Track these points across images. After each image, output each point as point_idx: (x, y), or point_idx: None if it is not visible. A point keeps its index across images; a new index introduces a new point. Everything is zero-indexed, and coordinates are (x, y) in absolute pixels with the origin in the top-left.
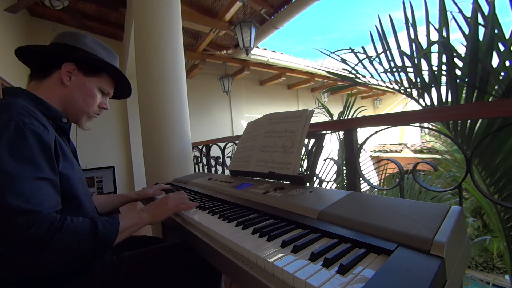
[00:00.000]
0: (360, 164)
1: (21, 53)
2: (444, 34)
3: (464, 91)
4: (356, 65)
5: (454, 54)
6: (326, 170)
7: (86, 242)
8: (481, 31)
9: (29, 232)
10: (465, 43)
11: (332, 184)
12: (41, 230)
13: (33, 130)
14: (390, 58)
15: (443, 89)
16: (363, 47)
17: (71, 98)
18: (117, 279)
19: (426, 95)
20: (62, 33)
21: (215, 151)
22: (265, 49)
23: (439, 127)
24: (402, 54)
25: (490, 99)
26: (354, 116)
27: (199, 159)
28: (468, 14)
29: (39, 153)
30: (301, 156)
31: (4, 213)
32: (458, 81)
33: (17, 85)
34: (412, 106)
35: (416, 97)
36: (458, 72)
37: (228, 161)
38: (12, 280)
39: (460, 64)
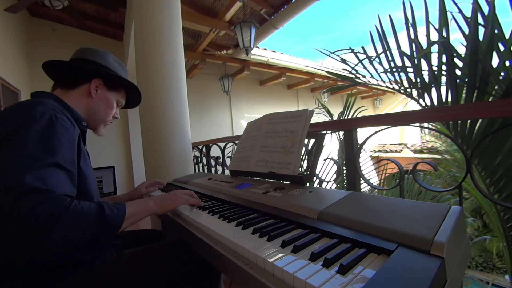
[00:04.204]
0: (360, 164)
1: (51, 65)
2: (444, 34)
3: (464, 91)
4: (356, 65)
5: (454, 54)
6: (326, 170)
7: (92, 224)
8: (481, 31)
9: (38, 209)
10: (465, 43)
11: (332, 184)
12: (50, 209)
13: (63, 125)
14: (390, 58)
15: (443, 89)
16: (363, 47)
17: (95, 108)
18: (117, 277)
19: (426, 95)
20: (85, 49)
21: (215, 151)
22: (265, 49)
23: (439, 127)
24: (402, 54)
25: (490, 99)
26: (354, 116)
27: (199, 159)
28: (468, 14)
29: (66, 145)
30: (301, 156)
31: (19, 190)
32: (458, 81)
33: (17, 85)
34: (412, 106)
35: (416, 97)
36: (458, 72)
37: (228, 161)
38: (17, 262)
39: (460, 64)
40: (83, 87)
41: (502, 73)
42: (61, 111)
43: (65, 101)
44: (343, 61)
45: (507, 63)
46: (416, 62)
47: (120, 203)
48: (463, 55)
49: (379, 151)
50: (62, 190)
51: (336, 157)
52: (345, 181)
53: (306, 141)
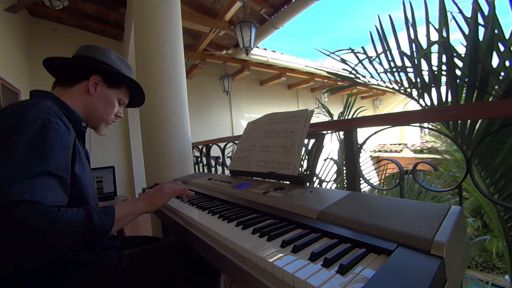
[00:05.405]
0: (360, 164)
1: (50, 63)
2: (444, 34)
3: (464, 91)
4: (356, 65)
5: (454, 54)
6: (326, 170)
7: (81, 232)
8: (481, 31)
9: (26, 221)
10: (465, 43)
11: (332, 184)
12: (38, 221)
13: (56, 130)
14: (390, 58)
15: (443, 89)
16: (363, 47)
17: (94, 106)
18: (117, 277)
19: (426, 95)
20: (87, 46)
21: (215, 151)
22: (265, 49)
23: (439, 127)
24: (402, 54)
25: (490, 99)
26: (354, 116)
27: (199, 159)
28: (468, 14)
29: (59, 150)
30: (301, 156)
31: (6, 202)
32: (458, 81)
33: (17, 85)
34: (412, 106)
35: (416, 97)
36: (458, 72)
37: (228, 161)
38: (12, 271)
39: (460, 64)
40: (81, 84)
41: (502, 73)
42: (56, 113)
43: (63, 100)
44: (343, 61)
45: (507, 63)
46: (416, 62)
47: (109, 206)
48: (463, 55)
49: (379, 151)
50: (51, 200)
51: (336, 157)
52: (345, 181)
53: (306, 141)
